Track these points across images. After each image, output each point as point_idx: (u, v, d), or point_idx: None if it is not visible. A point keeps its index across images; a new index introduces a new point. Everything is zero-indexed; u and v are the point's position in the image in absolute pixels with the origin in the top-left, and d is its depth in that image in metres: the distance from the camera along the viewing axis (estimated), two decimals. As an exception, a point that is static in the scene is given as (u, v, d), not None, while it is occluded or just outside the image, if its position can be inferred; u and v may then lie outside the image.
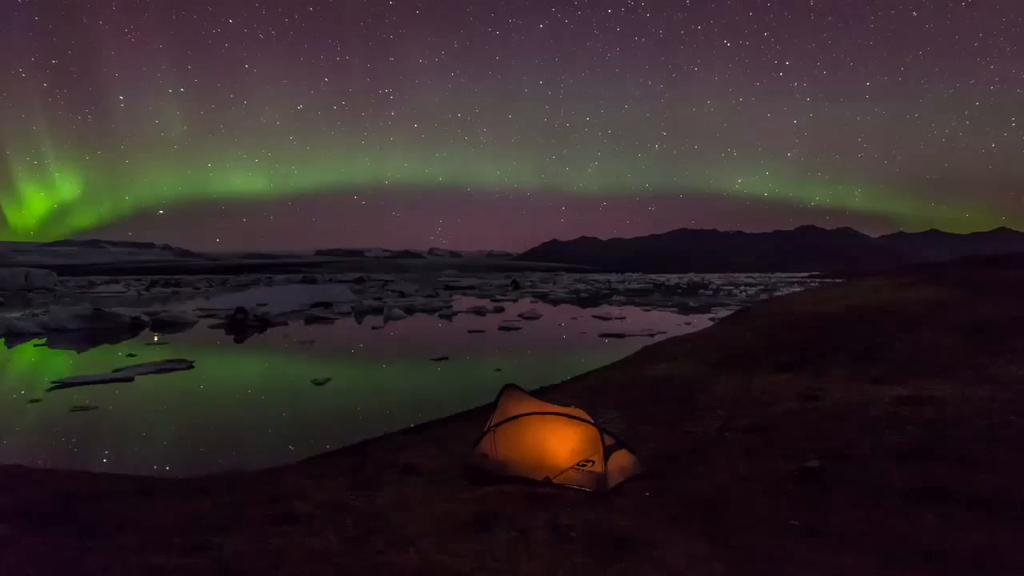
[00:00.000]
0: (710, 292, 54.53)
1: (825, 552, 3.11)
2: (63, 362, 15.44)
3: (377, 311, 31.27)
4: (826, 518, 3.54)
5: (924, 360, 8.04)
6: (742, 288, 60.72)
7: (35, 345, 18.49)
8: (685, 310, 32.93)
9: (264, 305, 30.40)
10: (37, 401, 10.49)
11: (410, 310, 31.44)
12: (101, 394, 10.95)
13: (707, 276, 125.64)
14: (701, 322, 23.71)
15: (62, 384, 11.51)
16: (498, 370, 13.33)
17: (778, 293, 42.14)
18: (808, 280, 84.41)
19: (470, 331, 22.20)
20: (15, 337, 19.95)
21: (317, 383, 11.84)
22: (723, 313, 27.25)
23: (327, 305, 33.90)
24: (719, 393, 7.85)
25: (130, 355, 15.86)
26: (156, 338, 20.40)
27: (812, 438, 5.36)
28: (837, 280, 51.57)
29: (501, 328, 23.01)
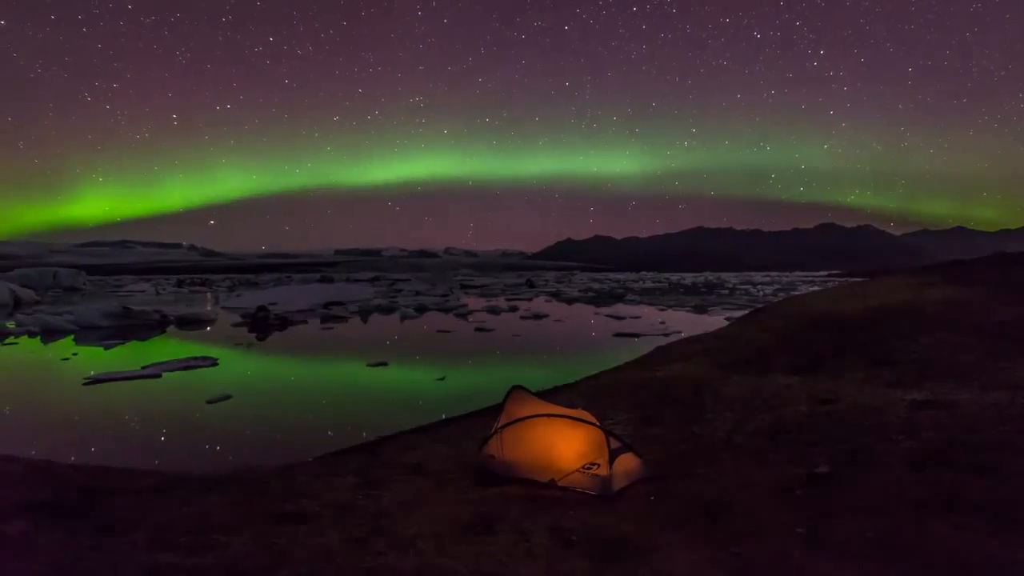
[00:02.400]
0: (726, 291, 53.90)
1: (829, 561, 3.06)
2: (94, 359, 15.94)
3: (390, 310, 31.55)
4: (833, 526, 3.48)
5: (942, 363, 7.84)
6: (759, 287, 59.94)
7: (68, 342, 19.16)
8: (700, 309, 32.59)
9: (274, 304, 30.99)
10: (69, 397, 10.89)
11: (421, 309, 31.66)
12: (129, 390, 11.31)
13: (723, 275, 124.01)
14: (715, 322, 23.45)
15: (93, 380, 11.90)
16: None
17: (795, 292, 41.49)
18: (828, 279, 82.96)
19: (439, 330, 21.59)
20: (50, 334, 20.71)
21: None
22: (738, 313, 26.92)
23: (339, 304, 34.37)
24: (730, 395, 7.76)
25: (157, 352, 16.35)
26: (182, 336, 20.95)
27: (823, 443, 5.27)
28: (857, 279, 50.68)
29: (478, 329, 22.01)
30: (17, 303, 37.09)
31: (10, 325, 21.91)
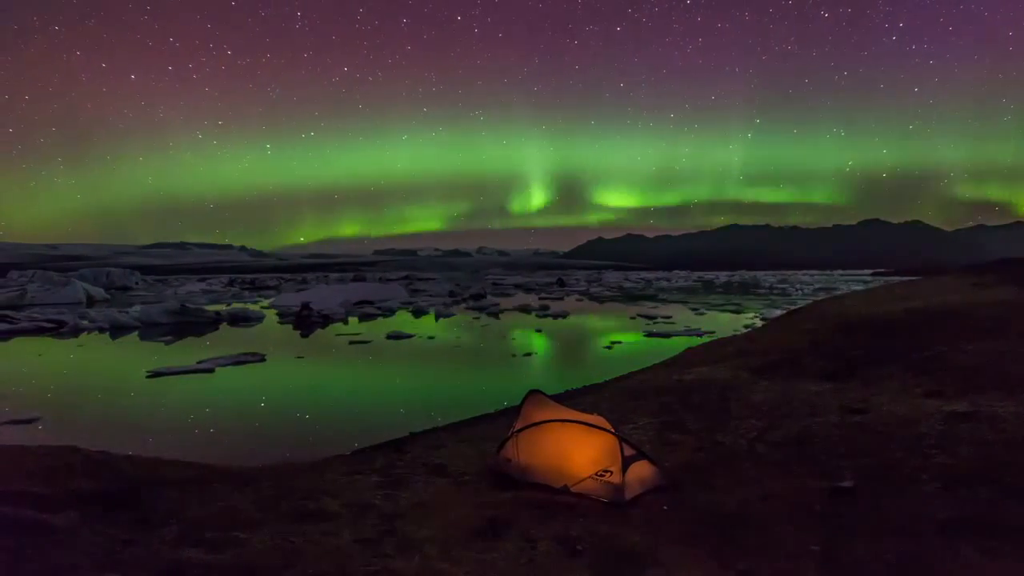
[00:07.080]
0: (763, 291, 52.36)
1: (843, 582, 2.96)
2: (155, 353, 17.15)
3: (411, 309, 32.24)
4: (851, 545, 3.36)
5: (987, 373, 7.41)
6: (797, 287, 57.95)
7: (133, 337, 20.89)
8: (733, 310, 31.77)
9: (311, 302, 31.90)
10: (133, 389, 11.77)
11: (437, 308, 32.24)
12: (186, 384, 12.10)
13: (760, 274, 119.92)
14: (748, 323, 22.85)
15: (155, 374, 12.82)
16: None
17: (837, 292, 39.93)
18: (872, 278, 79.51)
19: (351, 342, 18.56)
20: (118, 330, 22.66)
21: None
22: (775, 313, 26.12)
23: (368, 303, 35.29)
24: (757, 401, 7.56)
25: (211, 347, 17.49)
26: (233, 332, 22.20)
27: (850, 455, 5.09)
28: (903, 278, 48.38)
29: (391, 337, 19.22)
30: (89, 301, 40.22)
31: (84, 322, 23.92)
